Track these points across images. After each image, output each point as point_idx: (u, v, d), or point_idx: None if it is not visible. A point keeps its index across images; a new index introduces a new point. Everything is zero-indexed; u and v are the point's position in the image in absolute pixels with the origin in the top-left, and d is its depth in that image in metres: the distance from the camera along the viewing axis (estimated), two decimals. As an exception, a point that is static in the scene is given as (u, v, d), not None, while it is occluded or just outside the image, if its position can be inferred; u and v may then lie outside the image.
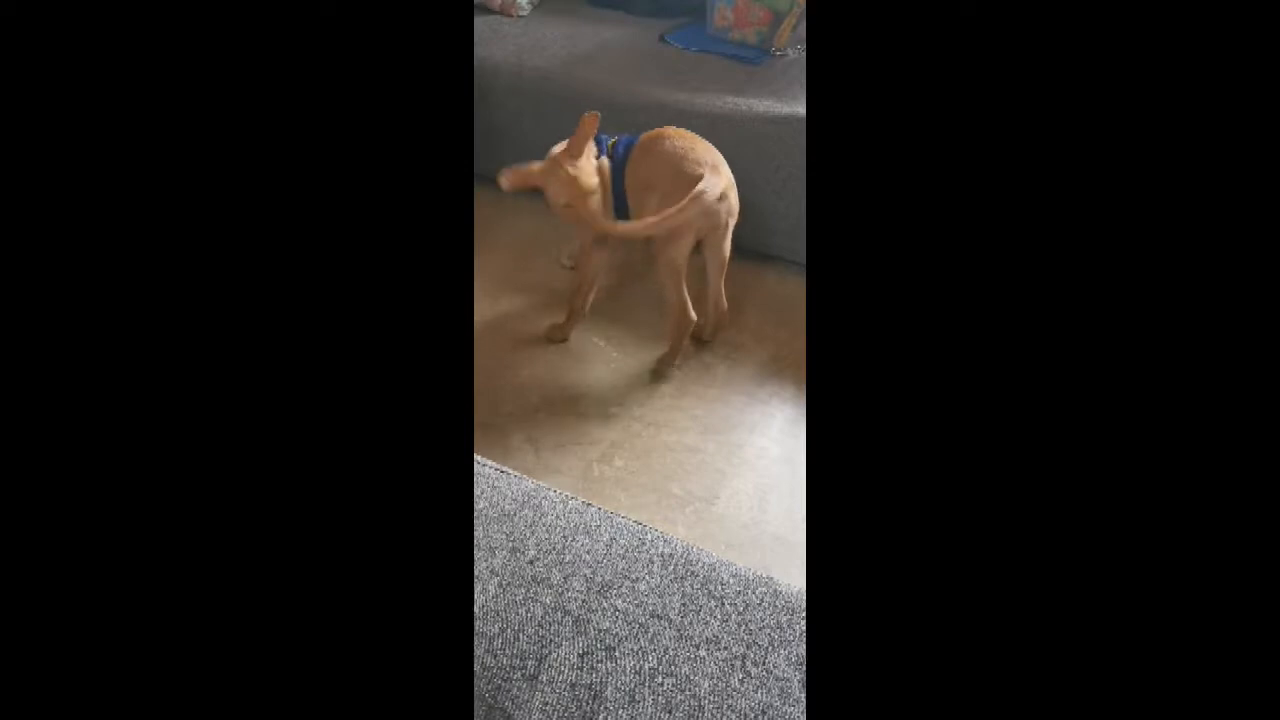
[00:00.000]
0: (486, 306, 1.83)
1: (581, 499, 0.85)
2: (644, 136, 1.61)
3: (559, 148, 1.55)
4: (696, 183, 1.46)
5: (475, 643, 0.69)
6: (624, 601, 0.72)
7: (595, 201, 1.55)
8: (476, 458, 0.88)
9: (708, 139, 1.80)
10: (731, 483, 1.44)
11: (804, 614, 0.72)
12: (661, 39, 2.10)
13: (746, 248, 1.94)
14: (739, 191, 1.65)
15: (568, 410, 1.58)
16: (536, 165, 1.53)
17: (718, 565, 0.77)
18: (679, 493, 1.42)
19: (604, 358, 1.71)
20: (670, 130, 1.59)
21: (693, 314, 1.59)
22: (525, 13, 2.23)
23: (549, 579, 0.74)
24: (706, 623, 0.71)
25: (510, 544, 0.77)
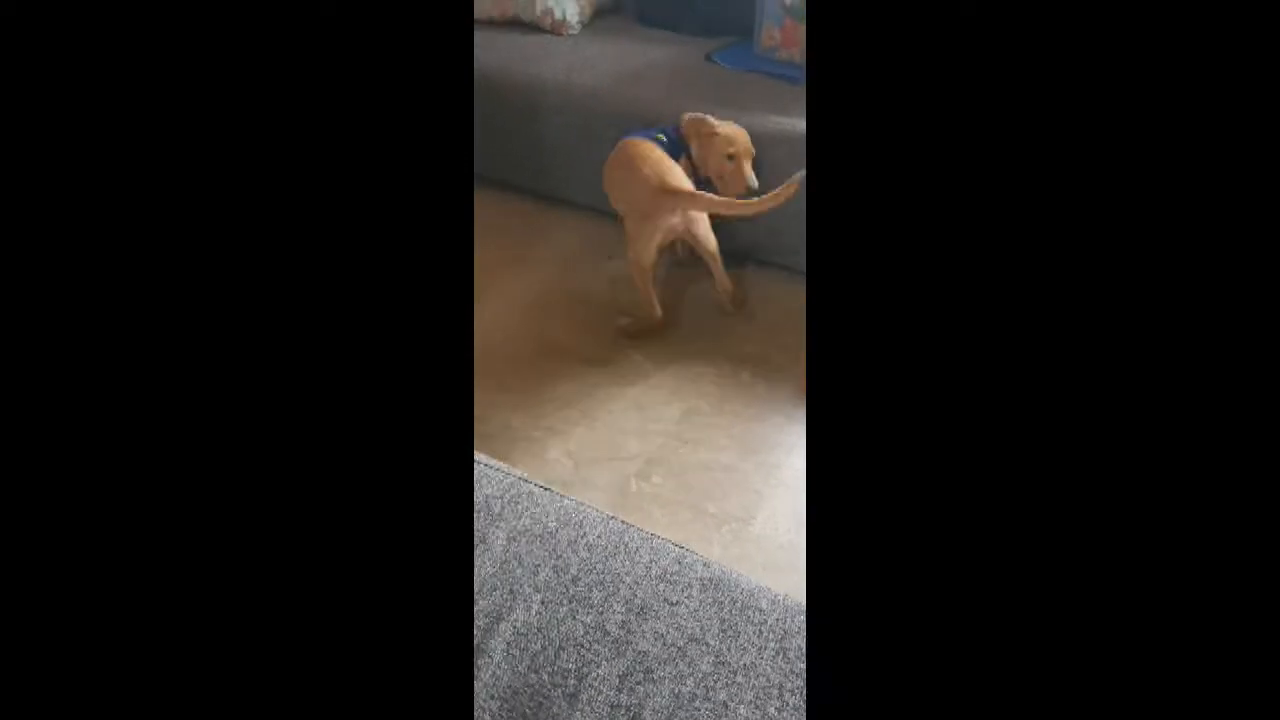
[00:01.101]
0: (528, 320, 1.87)
1: (621, 519, 0.86)
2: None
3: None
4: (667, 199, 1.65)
5: (518, 659, 0.71)
6: (663, 624, 0.73)
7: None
8: (522, 476, 0.90)
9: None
10: (769, 503, 1.44)
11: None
12: (709, 58, 2.12)
13: (789, 266, 1.94)
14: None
15: (606, 425, 1.60)
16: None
17: (756, 591, 0.78)
18: (715, 512, 1.43)
19: (643, 373, 1.72)
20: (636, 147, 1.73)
21: (658, 309, 1.76)
22: (575, 31, 2.27)
23: (590, 598, 0.75)
24: (744, 649, 0.71)
25: (552, 562, 0.79)
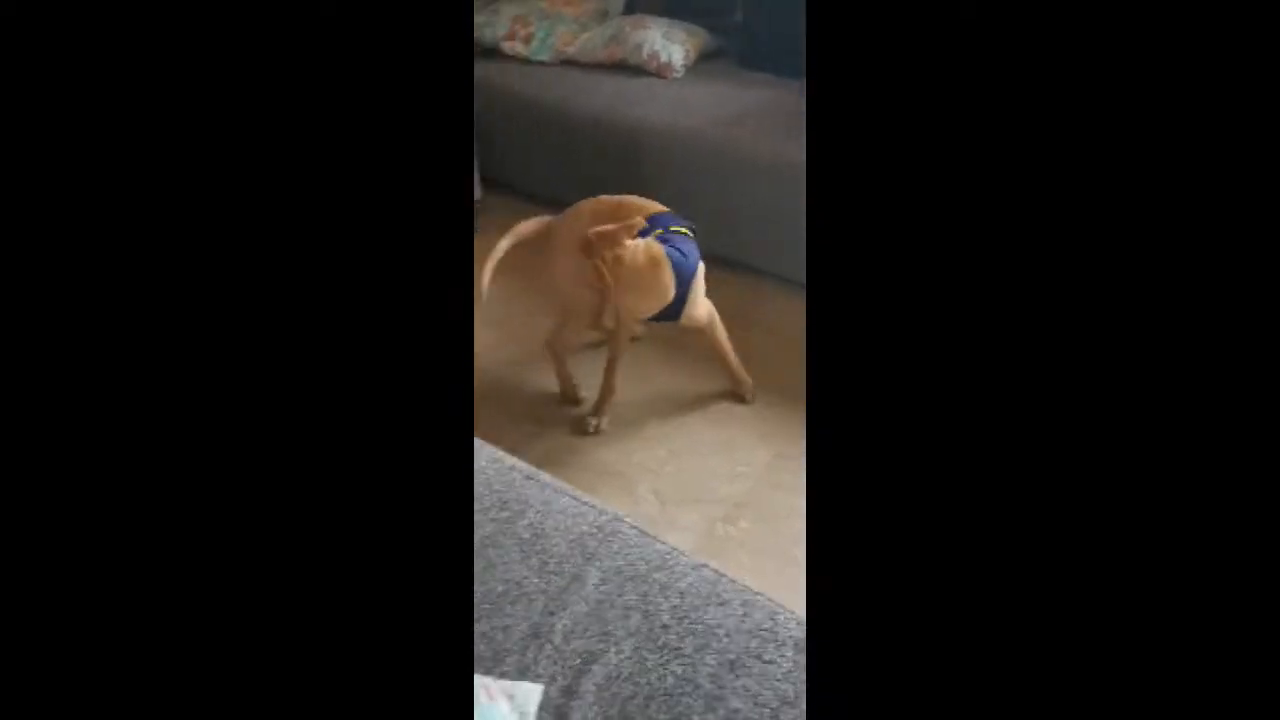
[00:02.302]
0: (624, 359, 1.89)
1: (713, 568, 0.86)
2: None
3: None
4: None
5: (609, 704, 0.71)
6: (755, 682, 0.72)
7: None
8: (616, 514, 0.91)
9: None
10: (859, 557, 1.40)
11: None
12: (812, 101, 2.12)
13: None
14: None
15: (696, 465, 1.59)
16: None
17: (852, 656, 0.75)
18: (803, 561, 1.39)
19: (736, 415, 1.71)
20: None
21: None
22: (679, 74, 2.32)
23: (681, 648, 0.75)
24: None
25: (644, 606, 0.79)
